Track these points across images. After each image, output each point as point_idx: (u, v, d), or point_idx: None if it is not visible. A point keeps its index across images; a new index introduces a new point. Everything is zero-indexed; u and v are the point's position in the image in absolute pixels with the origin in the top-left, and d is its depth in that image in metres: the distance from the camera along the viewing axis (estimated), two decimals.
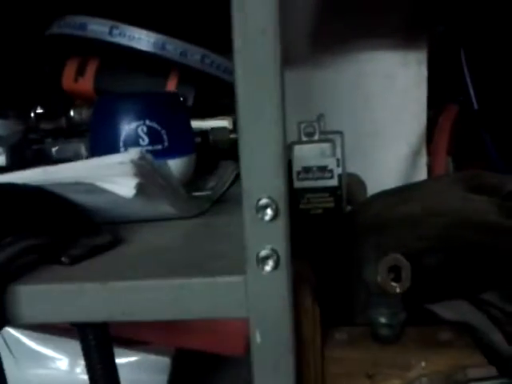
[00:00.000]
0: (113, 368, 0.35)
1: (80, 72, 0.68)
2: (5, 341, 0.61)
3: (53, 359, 0.63)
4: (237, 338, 0.59)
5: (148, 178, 0.30)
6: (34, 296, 0.29)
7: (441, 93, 0.91)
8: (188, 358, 0.65)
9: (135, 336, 0.61)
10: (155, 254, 0.32)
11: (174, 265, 0.30)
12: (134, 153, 0.30)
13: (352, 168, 0.78)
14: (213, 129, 0.55)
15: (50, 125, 0.55)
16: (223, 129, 0.55)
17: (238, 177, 0.54)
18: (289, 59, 0.86)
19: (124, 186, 0.29)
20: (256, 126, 0.26)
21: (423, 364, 0.33)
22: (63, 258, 0.30)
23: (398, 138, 0.89)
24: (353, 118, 0.87)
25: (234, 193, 0.48)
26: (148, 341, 0.62)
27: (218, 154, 0.54)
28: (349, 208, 0.75)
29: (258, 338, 0.28)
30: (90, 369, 0.34)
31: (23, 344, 0.63)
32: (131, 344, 0.62)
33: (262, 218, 0.27)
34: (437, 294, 0.38)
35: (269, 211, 0.27)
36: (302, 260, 0.36)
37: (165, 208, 0.34)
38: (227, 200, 0.46)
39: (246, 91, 0.26)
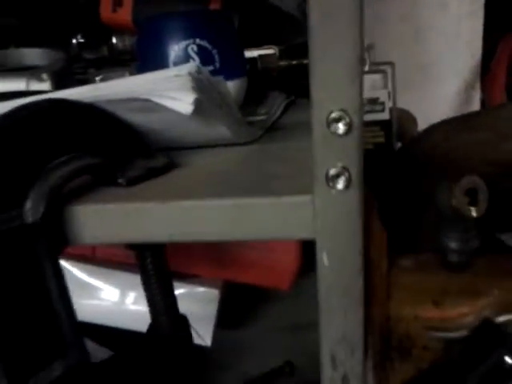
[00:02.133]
0: (170, 289, 0.35)
1: (118, 1, 0.66)
2: None
3: (104, 291, 0.65)
4: (283, 272, 0.59)
5: (206, 94, 0.28)
6: (92, 216, 0.28)
7: (499, 22, 0.85)
8: (236, 291, 0.66)
9: (185, 269, 0.61)
10: (213, 176, 0.31)
11: (234, 185, 0.29)
12: (190, 66, 0.28)
13: (402, 102, 0.75)
14: (261, 55, 0.52)
15: (93, 54, 0.53)
16: (272, 55, 0.52)
17: (287, 108, 0.51)
18: None
19: (181, 102, 0.27)
20: (329, 25, 0.23)
21: (495, 291, 0.31)
22: (120, 180, 0.29)
23: (450, 70, 0.84)
24: (403, 50, 0.82)
25: (284, 123, 0.46)
26: (197, 274, 0.62)
27: (267, 81, 0.51)
28: (399, 144, 0.72)
29: (325, 260, 0.27)
30: (148, 291, 0.34)
31: (75, 276, 0.65)
32: (181, 277, 0.63)
33: (334, 133, 0.24)
34: (508, 221, 0.36)
35: (341, 125, 0.24)
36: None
37: (221, 130, 0.33)
38: (279, 128, 0.44)
39: None
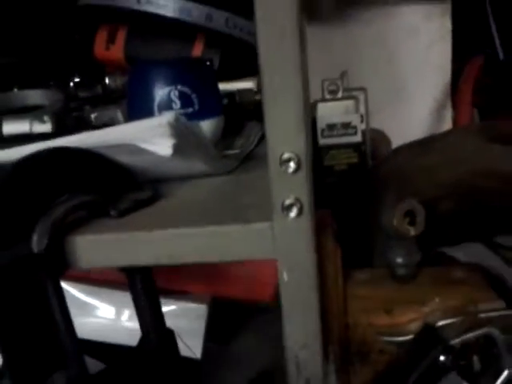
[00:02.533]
0: (157, 306, 0.40)
1: (111, 40, 0.71)
2: None
3: (100, 309, 0.69)
4: (265, 285, 0.64)
5: (183, 138, 0.34)
6: (88, 244, 0.33)
7: (466, 45, 0.91)
8: (223, 307, 0.71)
9: (174, 286, 0.66)
10: (192, 206, 0.36)
11: (209, 214, 0.34)
12: (169, 116, 0.33)
13: (377, 123, 0.80)
14: (239, 91, 0.57)
15: (88, 92, 0.59)
16: (249, 90, 0.57)
17: (263, 137, 0.57)
18: (312, 15, 0.86)
19: (162, 146, 0.33)
20: (279, 86, 0.28)
21: (437, 300, 0.36)
22: (112, 212, 0.34)
23: (422, 91, 0.90)
24: (377, 74, 0.88)
25: (260, 152, 0.52)
26: (185, 290, 0.67)
27: (244, 114, 0.57)
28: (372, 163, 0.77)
29: (285, 276, 0.32)
30: (138, 309, 0.39)
31: (73, 296, 0.69)
32: (170, 294, 0.67)
33: (286, 171, 0.30)
34: (452, 237, 0.41)
35: (292, 164, 0.30)
36: (325, 209, 0.39)
37: (198, 166, 0.38)
38: (254, 158, 0.49)
39: (268, 53, 0.28)
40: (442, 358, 0.33)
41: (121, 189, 0.36)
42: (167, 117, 0.33)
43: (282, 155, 0.30)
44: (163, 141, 0.32)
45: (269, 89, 0.29)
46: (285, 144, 0.29)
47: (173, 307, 0.68)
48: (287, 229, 0.31)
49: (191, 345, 0.68)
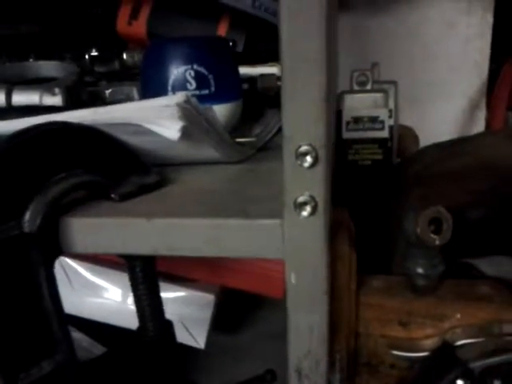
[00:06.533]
0: (157, 296, 0.37)
1: (134, 15, 0.69)
2: (64, 270, 0.65)
3: (107, 290, 0.68)
4: (276, 280, 0.61)
5: (193, 122, 0.31)
6: (85, 228, 0.31)
7: (506, 44, 0.86)
8: (231, 297, 0.69)
9: (184, 273, 0.64)
10: (198, 195, 0.33)
11: (215, 206, 0.31)
12: (179, 96, 0.30)
13: (407, 120, 0.76)
14: (261, 76, 0.54)
15: (104, 67, 0.56)
16: (271, 76, 0.54)
17: None
18: (345, 4, 0.82)
19: (169, 129, 0.30)
20: (299, 73, 0.26)
21: (458, 316, 0.33)
22: (113, 195, 0.32)
23: (456, 90, 0.85)
24: (410, 68, 0.84)
25: (279, 141, 0.49)
26: (195, 278, 0.65)
27: (266, 101, 0.54)
28: (398, 160, 0.74)
29: (293, 279, 0.29)
30: (136, 298, 0.37)
31: (80, 274, 0.68)
32: (180, 281, 0.66)
33: (302, 165, 0.27)
34: (479, 248, 0.38)
35: (308, 158, 0.27)
36: (342, 208, 0.36)
37: (209, 152, 0.35)
38: (272, 147, 0.46)
39: (290, 36, 0.25)
40: (459, 382, 0.30)
41: (125, 171, 0.33)
42: (177, 97, 0.30)
43: (298, 148, 0.27)
44: (171, 123, 0.30)
45: (288, 77, 0.26)
46: (302, 135, 0.27)
47: (180, 294, 0.67)
48: (298, 228, 0.28)
49: (195, 334, 0.66)
